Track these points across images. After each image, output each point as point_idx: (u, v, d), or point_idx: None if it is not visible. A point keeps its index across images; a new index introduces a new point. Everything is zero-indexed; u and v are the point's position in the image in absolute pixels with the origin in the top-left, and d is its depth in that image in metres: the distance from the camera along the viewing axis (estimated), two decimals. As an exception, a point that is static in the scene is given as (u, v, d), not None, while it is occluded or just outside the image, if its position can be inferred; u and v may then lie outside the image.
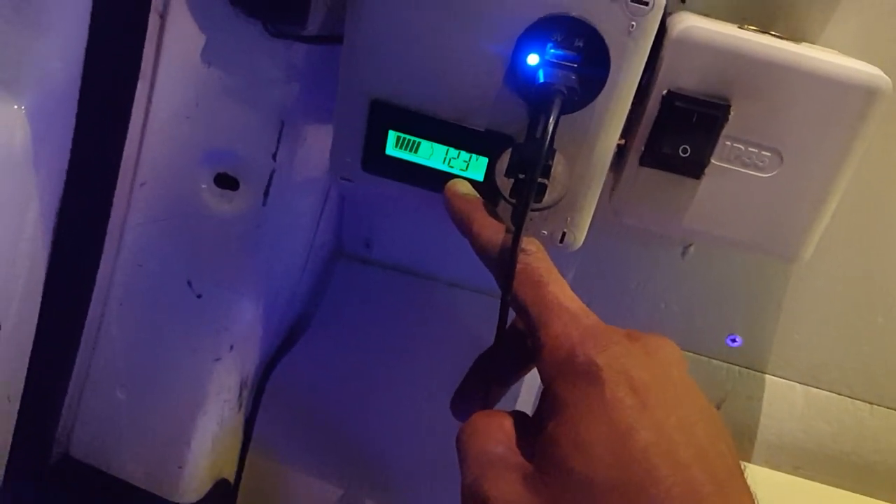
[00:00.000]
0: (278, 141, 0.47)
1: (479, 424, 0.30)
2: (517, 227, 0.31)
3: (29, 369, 0.50)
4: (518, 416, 0.31)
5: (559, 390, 0.27)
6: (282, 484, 0.64)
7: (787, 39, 0.38)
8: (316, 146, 0.48)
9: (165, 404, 0.55)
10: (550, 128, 0.31)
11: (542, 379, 0.29)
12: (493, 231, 0.33)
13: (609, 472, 0.24)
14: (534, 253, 0.32)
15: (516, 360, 0.34)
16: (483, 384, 0.34)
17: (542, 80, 0.33)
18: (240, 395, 0.57)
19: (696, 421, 0.26)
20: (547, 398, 0.28)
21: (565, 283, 0.31)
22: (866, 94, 0.36)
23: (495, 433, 0.29)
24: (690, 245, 0.52)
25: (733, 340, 0.56)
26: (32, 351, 0.50)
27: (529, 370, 0.34)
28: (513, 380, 0.35)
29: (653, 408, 0.25)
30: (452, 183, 0.37)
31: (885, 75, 0.36)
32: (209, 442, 0.56)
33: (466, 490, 0.28)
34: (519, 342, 0.33)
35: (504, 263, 0.32)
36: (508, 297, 0.31)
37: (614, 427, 0.25)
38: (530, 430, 0.30)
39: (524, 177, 0.32)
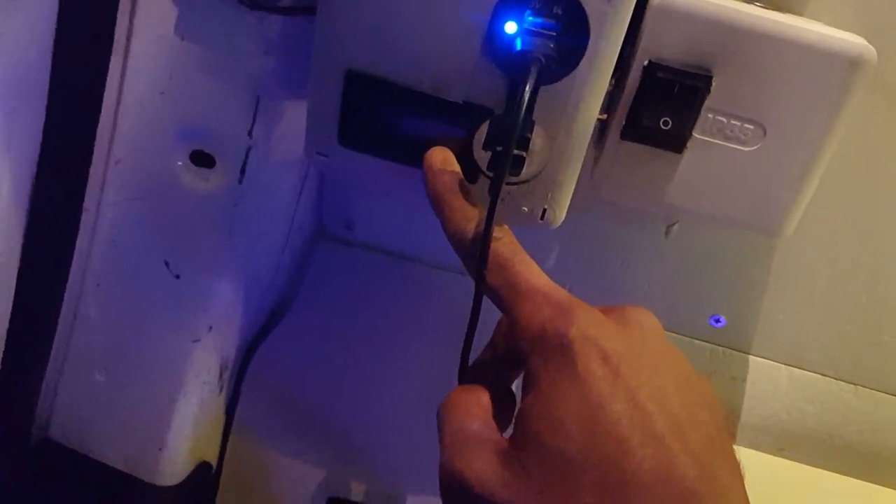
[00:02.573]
0: (254, 116, 0.46)
1: (457, 399, 0.30)
2: (492, 199, 0.31)
3: (5, 352, 0.49)
4: (499, 390, 0.31)
5: (533, 366, 0.27)
6: (264, 466, 0.64)
7: (771, 9, 0.37)
8: (293, 122, 0.47)
9: (144, 386, 0.54)
10: (527, 97, 0.31)
11: (519, 356, 0.29)
12: (462, 217, 0.32)
13: (581, 446, 0.24)
14: (499, 238, 0.31)
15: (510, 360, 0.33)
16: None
17: (519, 48, 0.32)
18: (220, 377, 0.56)
19: (672, 390, 0.26)
20: (525, 374, 0.28)
21: (532, 261, 0.31)
22: (850, 65, 0.35)
23: (472, 408, 0.29)
24: (674, 224, 0.51)
25: (717, 321, 0.56)
26: (8, 333, 0.49)
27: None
28: (512, 379, 0.34)
29: (625, 378, 0.25)
30: (430, 154, 0.36)
31: (869, 45, 0.36)
32: (189, 424, 0.55)
33: (442, 468, 0.28)
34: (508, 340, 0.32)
35: (471, 252, 0.31)
36: (482, 282, 0.31)
37: (586, 400, 0.25)
38: (510, 403, 0.30)
39: (501, 149, 0.32)
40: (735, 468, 0.25)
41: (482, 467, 0.26)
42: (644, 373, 0.26)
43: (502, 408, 0.30)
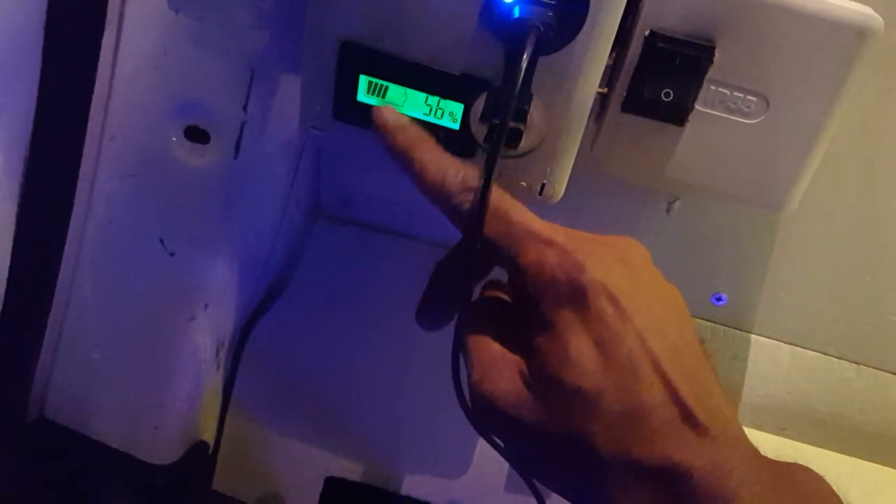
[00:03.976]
0: (248, 91, 0.45)
1: (475, 323, 0.32)
2: (487, 173, 0.30)
3: (0, 330, 0.49)
4: (501, 305, 0.34)
5: (545, 311, 0.29)
6: (261, 445, 0.64)
7: (775, -21, 0.36)
8: (289, 98, 0.46)
9: (140, 365, 0.54)
10: (524, 66, 0.30)
11: (529, 299, 0.30)
12: (437, 168, 0.32)
13: (596, 378, 0.27)
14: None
15: (477, 269, 0.36)
16: (446, 293, 0.36)
17: (517, 16, 0.32)
18: (217, 355, 0.56)
19: (667, 318, 0.29)
20: (534, 316, 0.30)
21: (522, 205, 0.32)
22: (857, 35, 0.35)
23: (490, 330, 0.32)
24: (675, 201, 0.51)
25: (718, 299, 0.55)
26: (3, 312, 0.49)
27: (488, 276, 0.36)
28: (475, 286, 0.36)
29: (631, 314, 0.28)
30: (379, 112, 0.35)
31: (876, 14, 0.35)
32: (186, 403, 0.55)
33: (472, 388, 0.31)
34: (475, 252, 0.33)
35: (456, 204, 0.32)
36: (477, 240, 0.31)
37: (599, 340, 0.28)
38: (513, 318, 0.33)
39: (498, 121, 0.31)
40: (714, 377, 0.29)
41: (508, 389, 0.29)
42: (644, 306, 0.29)
43: (509, 323, 0.32)
